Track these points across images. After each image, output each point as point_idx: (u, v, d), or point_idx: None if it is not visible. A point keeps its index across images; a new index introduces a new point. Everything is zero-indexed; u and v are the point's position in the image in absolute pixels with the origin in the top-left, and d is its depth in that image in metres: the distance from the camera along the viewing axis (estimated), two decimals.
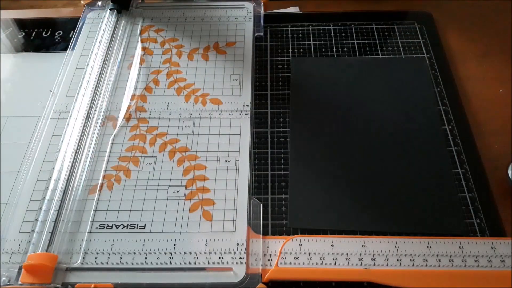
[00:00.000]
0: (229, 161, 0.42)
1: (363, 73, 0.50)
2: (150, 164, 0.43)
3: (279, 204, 0.41)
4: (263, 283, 0.35)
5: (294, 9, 0.59)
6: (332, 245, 0.37)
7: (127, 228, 0.39)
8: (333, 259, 0.36)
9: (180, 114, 0.46)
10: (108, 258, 0.37)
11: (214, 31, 0.54)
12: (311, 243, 0.37)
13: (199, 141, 0.44)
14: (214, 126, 0.45)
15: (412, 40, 0.53)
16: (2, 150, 0.45)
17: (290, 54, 0.53)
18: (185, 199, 0.40)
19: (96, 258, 0.37)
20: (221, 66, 0.50)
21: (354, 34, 0.55)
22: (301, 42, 0.54)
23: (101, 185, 0.41)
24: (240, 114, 0.46)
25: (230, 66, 0.50)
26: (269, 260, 0.37)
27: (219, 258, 0.37)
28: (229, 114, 0.46)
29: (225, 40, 0.53)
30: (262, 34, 0.54)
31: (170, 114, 0.46)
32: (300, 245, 0.37)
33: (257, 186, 0.42)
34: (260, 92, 0.49)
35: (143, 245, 0.38)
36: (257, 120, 0.47)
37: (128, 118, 0.46)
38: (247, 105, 0.46)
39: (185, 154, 0.43)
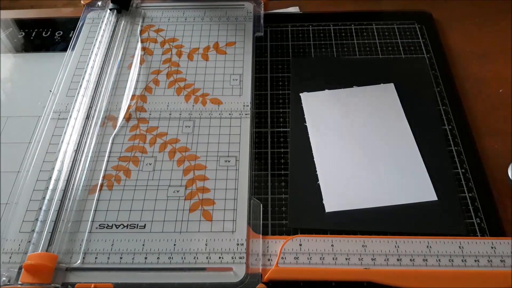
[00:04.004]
0: (229, 161, 0.43)
1: (363, 73, 0.50)
2: (150, 164, 0.43)
3: (279, 204, 0.41)
4: (263, 283, 0.35)
5: (294, 9, 0.59)
6: (332, 245, 0.37)
7: (127, 228, 0.39)
8: (333, 259, 0.36)
9: (180, 114, 0.46)
10: (108, 258, 0.37)
11: (214, 31, 0.54)
12: (311, 243, 0.37)
13: (199, 141, 0.44)
14: (214, 126, 0.45)
15: (412, 40, 0.53)
16: (2, 150, 0.45)
17: (290, 54, 0.53)
18: (185, 199, 0.40)
19: (96, 258, 0.37)
20: (221, 66, 0.50)
21: (354, 34, 0.55)
22: (301, 42, 0.54)
23: (101, 185, 0.41)
24: (240, 114, 0.46)
25: (230, 66, 0.50)
26: (269, 260, 0.37)
27: (219, 258, 0.37)
28: (229, 114, 0.46)
29: (225, 40, 0.53)
30: (262, 34, 0.54)
31: (170, 114, 0.46)
32: (300, 245, 0.37)
33: (257, 186, 0.42)
34: (260, 92, 0.49)
35: (143, 245, 0.38)
36: (257, 120, 0.47)
37: (128, 118, 0.46)
38: (247, 105, 0.46)
39: (185, 154, 0.43)
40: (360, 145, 0.44)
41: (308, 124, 0.46)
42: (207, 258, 0.37)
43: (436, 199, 0.40)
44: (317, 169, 0.43)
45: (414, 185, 0.41)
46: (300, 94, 0.49)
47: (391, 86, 0.49)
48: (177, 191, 0.41)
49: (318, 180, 0.42)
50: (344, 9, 0.58)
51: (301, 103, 0.48)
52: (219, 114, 0.46)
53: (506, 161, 0.43)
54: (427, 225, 0.39)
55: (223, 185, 0.41)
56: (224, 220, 0.39)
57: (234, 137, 0.44)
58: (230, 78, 0.49)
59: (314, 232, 0.39)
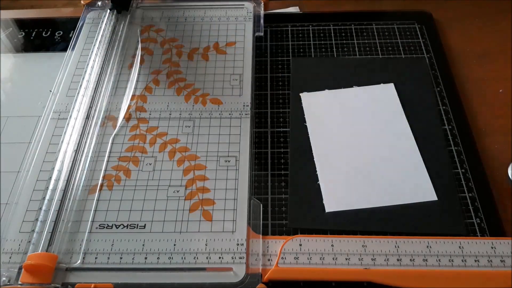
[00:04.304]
0: (229, 161, 0.43)
1: (363, 73, 0.50)
2: (150, 164, 0.43)
3: (279, 204, 0.41)
4: (263, 283, 0.35)
5: (294, 9, 0.59)
6: (332, 245, 0.37)
7: (127, 228, 0.39)
8: (333, 259, 0.36)
9: (180, 114, 0.46)
10: (108, 258, 0.37)
11: (214, 31, 0.54)
12: (311, 243, 0.37)
13: (199, 141, 0.44)
14: (214, 126, 0.45)
15: (412, 40, 0.53)
16: (2, 150, 0.45)
17: (290, 54, 0.53)
18: (185, 199, 0.40)
19: (96, 258, 0.37)
20: (221, 66, 0.50)
21: (354, 34, 0.55)
22: (301, 42, 0.54)
23: (101, 185, 0.41)
24: (240, 114, 0.46)
25: (230, 66, 0.50)
26: (269, 260, 0.37)
27: (219, 258, 0.37)
28: (229, 114, 0.46)
29: (225, 40, 0.53)
30: (262, 34, 0.54)
31: (170, 114, 0.46)
32: (300, 245, 0.37)
33: (257, 186, 0.42)
34: (260, 92, 0.49)
35: (143, 245, 0.38)
36: (257, 120, 0.47)
37: (128, 118, 0.46)
38: (247, 105, 0.46)
39: (185, 154, 0.43)
40: (360, 145, 0.44)
41: (308, 124, 0.46)
42: (207, 258, 0.37)
43: (436, 199, 0.40)
44: (317, 169, 0.43)
45: (414, 185, 0.41)
46: (300, 94, 0.49)
47: (391, 86, 0.49)
48: (177, 191, 0.41)
49: (318, 180, 0.42)
50: (344, 9, 0.58)
51: (301, 103, 0.48)
52: (219, 114, 0.46)
53: (506, 161, 0.43)
54: (427, 225, 0.39)
55: (223, 185, 0.41)
56: (224, 220, 0.39)
57: (234, 137, 0.44)
58: (230, 78, 0.49)
59: (314, 232, 0.39)
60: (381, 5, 0.59)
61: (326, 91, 0.49)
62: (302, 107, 0.47)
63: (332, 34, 0.55)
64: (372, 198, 0.41)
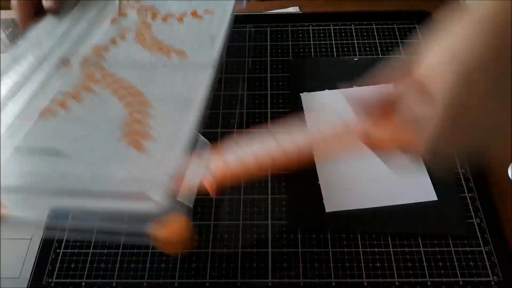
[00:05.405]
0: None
1: (363, 73, 0.50)
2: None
3: (279, 204, 0.41)
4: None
5: (294, 9, 0.59)
6: None
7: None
8: None
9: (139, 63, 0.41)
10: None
11: None
12: None
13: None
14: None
15: (412, 40, 0.53)
16: None
17: (290, 54, 0.53)
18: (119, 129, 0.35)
19: None
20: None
21: (354, 34, 0.55)
22: (301, 42, 0.54)
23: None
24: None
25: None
26: None
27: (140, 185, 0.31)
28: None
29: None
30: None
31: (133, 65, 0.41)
32: None
33: (257, 186, 0.42)
34: (260, 92, 0.49)
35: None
36: (257, 120, 0.47)
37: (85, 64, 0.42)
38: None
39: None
40: (360, 145, 0.44)
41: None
42: (127, 185, 0.31)
43: (436, 199, 0.40)
44: (317, 169, 0.43)
45: (414, 185, 0.41)
46: (300, 94, 0.49)
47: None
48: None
49: (318, 180, 0.42)
50: (344, 9, 0.58)
51: (301, 103, 0.48)
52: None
53: (506, 161, 0.43)
54: (427, 225, 0.39)
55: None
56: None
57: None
58: None
59: (314, 232, 0.39)
60: (381, 5, 0.59)
61: (326, 91, 0.49)
62: (302, 107, 0.47)
63: (332, 34, 0.55)
64: (372, 198, 0.41)
